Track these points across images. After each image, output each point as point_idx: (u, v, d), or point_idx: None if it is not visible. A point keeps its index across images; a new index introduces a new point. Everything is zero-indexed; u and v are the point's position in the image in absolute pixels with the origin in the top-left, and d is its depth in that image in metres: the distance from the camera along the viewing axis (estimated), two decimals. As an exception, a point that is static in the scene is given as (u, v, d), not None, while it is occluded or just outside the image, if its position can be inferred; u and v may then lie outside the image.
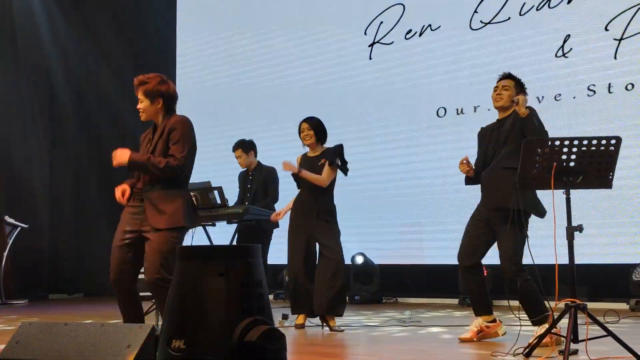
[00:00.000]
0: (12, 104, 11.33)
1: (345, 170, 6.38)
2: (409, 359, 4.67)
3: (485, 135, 5.28)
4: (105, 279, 11.87)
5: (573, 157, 4.38)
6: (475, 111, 8.74)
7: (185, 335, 1.90)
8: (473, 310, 5.42)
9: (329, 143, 6.49)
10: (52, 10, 11.85)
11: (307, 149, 6.49)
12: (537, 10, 8.45)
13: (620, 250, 7.53)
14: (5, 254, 10.29)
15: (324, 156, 6.30)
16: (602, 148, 4.37)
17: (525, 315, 5.10)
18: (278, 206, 7.29)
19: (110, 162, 4.66)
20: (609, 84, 7.89)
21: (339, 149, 6.34)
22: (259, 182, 7.57)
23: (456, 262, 8.43)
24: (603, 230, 7.38)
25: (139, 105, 4.62)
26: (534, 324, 5.08)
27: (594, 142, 4.35)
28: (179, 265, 2.01)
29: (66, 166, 12.04)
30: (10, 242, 10.38)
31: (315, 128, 6.40)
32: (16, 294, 10.50)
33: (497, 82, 5.29)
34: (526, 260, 4.85)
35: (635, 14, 7.78)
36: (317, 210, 6.21)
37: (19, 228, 10.46)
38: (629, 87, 7.75)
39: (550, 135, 4.94)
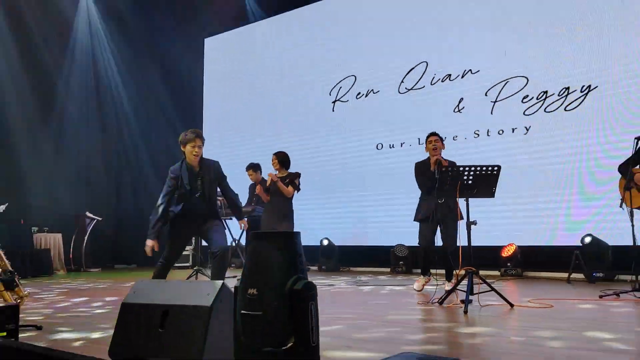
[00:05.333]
0: (87, 126, 11.31)
1: (298, 189, 6.25)
2: (359, 306, 4.76)
3: (424, 169, 5.37)
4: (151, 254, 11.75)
5: (471, 177, 4.61)
6: (401, 146, 8.81)
7: (257, 286, 1.97)
8: (421, 270, 5.66)
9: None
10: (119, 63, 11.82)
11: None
12: (441, 81, 8.58)
13: (494, 235, 7.51)
14: (86, 237, 10.22)
15: (287, 177, 6.21)
16: (489, 172, 4.60)
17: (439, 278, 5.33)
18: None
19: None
20: (488, 130, 8.04)
21: (298, 175, 6.27)
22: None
23: (389, 244, 8.66)
24: (484, 222, 7.53)
25: (199, 150, 4.61)
26: (449, 279, 5.38)
27: (484, 169, 4.58)
28: (253, 244, 2.07)
29: (127, 170, 11.93)
30: (89, 230, 10.32)
31: (280, 160, 6.27)
32: (92, 264, 10.43)
33: (430, 137, 5.43)
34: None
35: (505, 84, 8.01)
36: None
37: (95, 220, 10.41)
38: (500, 132, 7.92)
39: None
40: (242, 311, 2.02)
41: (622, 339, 3.03)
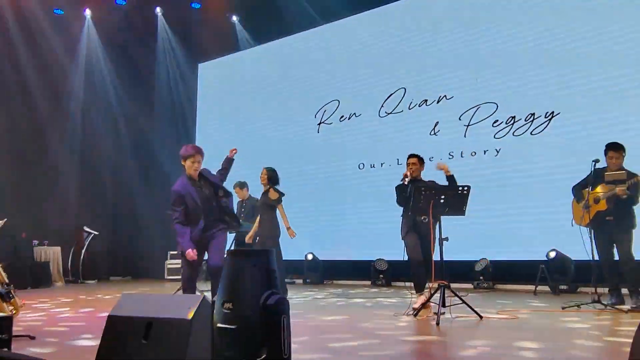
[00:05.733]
0: (84, 148, 11.22)
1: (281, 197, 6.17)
2: (342, 317, 4.73)
3: (404, 186, 5.01)
4: (145, 266, 11.57)
5: (443, 197, 4.63)
6: (382, 166, 8.86)
7: (233, 299, 1.94)
8: (416, 288, 4.94)
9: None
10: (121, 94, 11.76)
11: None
12: (418, 106, 8.66)
13: (466, 250, 7.44)
14: (83, 251, 10.12)
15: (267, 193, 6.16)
16: (459, 192, 4.64)
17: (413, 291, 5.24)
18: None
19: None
20: (461, 152, 8.12)
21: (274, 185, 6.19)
22: (248, 208, 7.55)
23: (370, 258, 8.63)
24: (457, 237, 7.49)
25: (198, 165, 4.51)
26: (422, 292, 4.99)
27: (457, 189, 4.63)
28: (230, 260, 2.04)
29: (124, 191, 11.75)
30: (87, 243, 10.22)
31: (269, 175, 6.23)
32: (89, 276, 10.30)
33: (408, 158, 5.20)
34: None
35: (477, 109, 8.11)
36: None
37: (92, 235, 10.31)
38: (473, 154, 8.00)
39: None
40: (218, 324, 2.01)
41: (586, 346, 3.05)
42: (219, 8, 11.10)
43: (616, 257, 5.07)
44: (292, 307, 5.73)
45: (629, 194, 4.87)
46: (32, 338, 3.64)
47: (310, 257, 9.08)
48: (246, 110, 10.96)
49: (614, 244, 5.03)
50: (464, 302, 4.48)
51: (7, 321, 3.20)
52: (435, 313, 4.30)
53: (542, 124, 7.54)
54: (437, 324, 4.03)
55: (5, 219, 4.93)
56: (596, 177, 5.07)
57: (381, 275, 8.42)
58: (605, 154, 5.08)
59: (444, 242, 4.69)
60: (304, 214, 9.50)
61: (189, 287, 4.54)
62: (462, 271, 7.53)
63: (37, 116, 10.24)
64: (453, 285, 4.68)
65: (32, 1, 10.01)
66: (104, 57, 11.46)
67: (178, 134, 11.73)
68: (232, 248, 7.87)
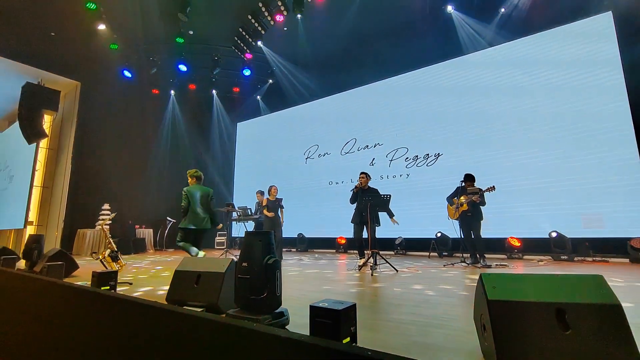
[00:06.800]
0: (168, 168, 11.00)
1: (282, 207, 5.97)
2: (315, 271, 4.68)
3: (355, 193, 4.88)
4: (203, 240, 11.18)
5: (375, 201, 4.65)
6: (342, 183, 8.77)
7: (247, 260, 1.91)
8: (359, 254, 4.86)
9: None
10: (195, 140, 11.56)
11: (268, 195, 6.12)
12: (363, 149, 8.65)
13: (390, 231, 7.38)
14: (166, 231, 9.83)
15: (277, 200, 6.05)
16: (384, 199, 4.64)
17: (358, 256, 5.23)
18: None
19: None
20: (387, 175, 8.06)
21: (281, 200, 6.04)
22: (261, 206, 7.43)
23: (334, 235, 8.51)
24: (384, 224, 7.51)
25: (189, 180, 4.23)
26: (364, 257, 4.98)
27: (383, 196, 4.64)
28: (246, 237, 1.99)
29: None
30: (168, 227, 9.93)
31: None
32: (169, 247, 10.01)
33: (360, 175, 4.98)
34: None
35: (396, 151, 8.15)
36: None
37: (172, 222, 10.06)
38: (394, 176, 8.00)
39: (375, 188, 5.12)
40: (239, 276, 1.98)
41: (455, 288, 3.06)
42: (250, 90, 11.11)
43: (472, 237, 5.14)
44: (286, 265, 5.67)
45: (480, 200, 4.98)
46: (130, 284, 3.53)
47: (300, 235, 8.95)
48: (264, 151, 10.88)
49: (471, 229, 5.10)
50: (387, 262, 4.51)
51: (115, 274, 3.12)
52: (371, 268, 4.32)
53: (433, 160, 7.65)
54: (372, 275, 4.02)
55: (116, 213, 4.79)
56: (462, 191, 5.16)
57: (341, 247, 8.34)
58: (464, 180, 5.21)
59: (376, 227, 4.72)
60: (297, 209, 9.45)
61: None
62: (387, 244, 7.52)
63: (142, 150, 10.06)
64: (382, 252, 4.69)
65: (142, 86, 9.92)
66: (180, 119, 11.35)
67: (224, 164, 11.61)
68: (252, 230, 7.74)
